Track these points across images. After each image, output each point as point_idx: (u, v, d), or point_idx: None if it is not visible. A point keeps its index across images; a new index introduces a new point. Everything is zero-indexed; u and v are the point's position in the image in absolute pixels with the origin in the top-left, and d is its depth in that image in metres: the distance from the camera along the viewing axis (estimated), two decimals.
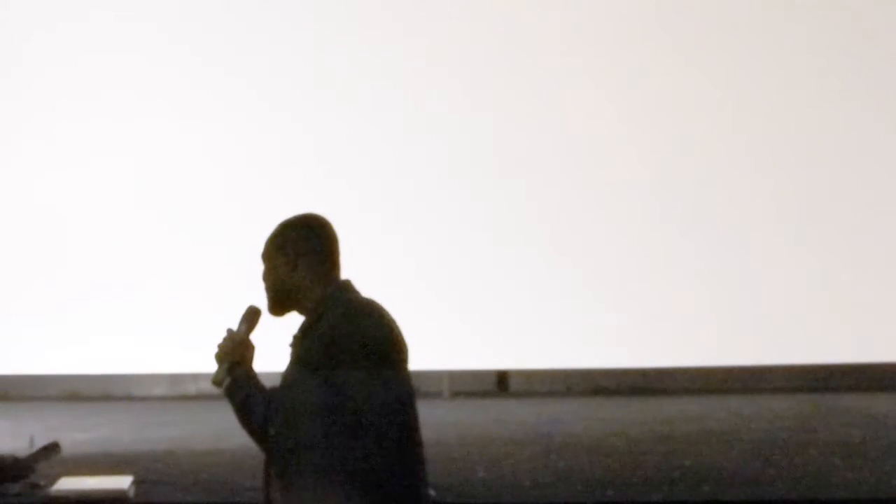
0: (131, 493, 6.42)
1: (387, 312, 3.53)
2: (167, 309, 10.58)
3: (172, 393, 10.66)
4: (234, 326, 3.69)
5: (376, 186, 9.95)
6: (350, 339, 3.38)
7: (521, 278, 10.13)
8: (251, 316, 3.73)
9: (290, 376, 3.49)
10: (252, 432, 3.49)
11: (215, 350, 3.63)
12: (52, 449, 4.20)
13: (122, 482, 6.49)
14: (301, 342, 3.54)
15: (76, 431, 8.70)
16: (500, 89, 10.61)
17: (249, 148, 10.70)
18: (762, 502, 6.42)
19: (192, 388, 10.62)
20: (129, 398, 10.61)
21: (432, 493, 3.44)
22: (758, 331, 10.51)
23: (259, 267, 3.70)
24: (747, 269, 10.59)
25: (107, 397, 10.60)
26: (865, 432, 8.35)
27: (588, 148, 10.55)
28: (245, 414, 3.45)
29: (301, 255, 3.66)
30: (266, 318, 3.73)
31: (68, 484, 6.46)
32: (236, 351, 3.58)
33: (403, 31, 10.62)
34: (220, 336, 3.60)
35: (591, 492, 6.56)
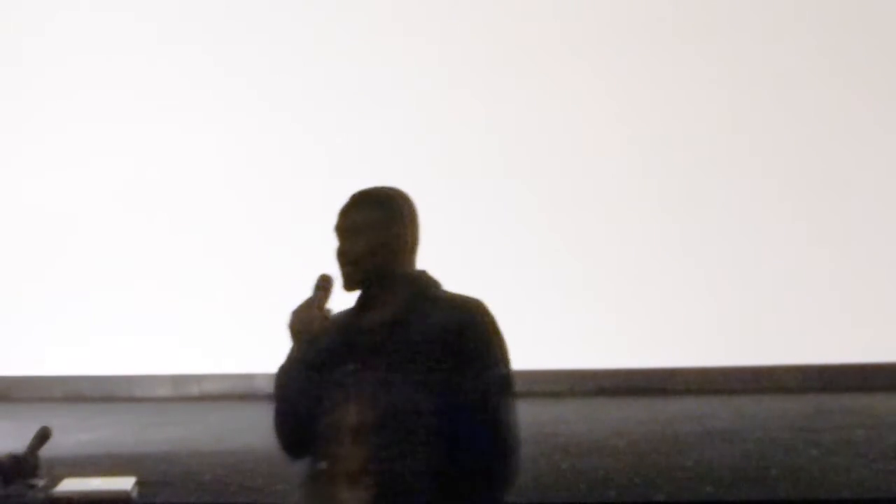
0: (134, 494, 6.42)
1: None
2: (170, 310, 10.58)
3: (175, 394, 10.66)
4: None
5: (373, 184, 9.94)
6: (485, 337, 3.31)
7: (523, 278, 10.14)
8: (325, 283, 3.46)
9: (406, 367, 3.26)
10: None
11: (289, 321, 3.42)
12: (43, 435, 4.12)
13: (125, 483, 6.49)
14: (402, 330, 3.29)
15: (79, 432, 8.71)
16: (499, 88, 10.61)
17: (252, 148, 10.70)
18: (764, 502, 6.42)
19: (194, 389, 10.63)
20: (132, 399, 10.62)
21: None
22: (759, 331, 10.50)
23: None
24: (749, 269, 10.59)
25: (109, 398, 10.60)
26: (868, 432, 8.35)
27: (590, 147, 10.55)
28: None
29: (412, 229, 3.47)
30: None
31: (71, 485, 6.45)
32: (315, 323, 3.41)
33: (405, 30, 10.63)
34: (288, 309, 3.40)
35: (594, 492, 6.56)
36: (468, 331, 3.35)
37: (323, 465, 3.28)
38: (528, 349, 3.59)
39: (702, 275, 10.54)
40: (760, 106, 10.62)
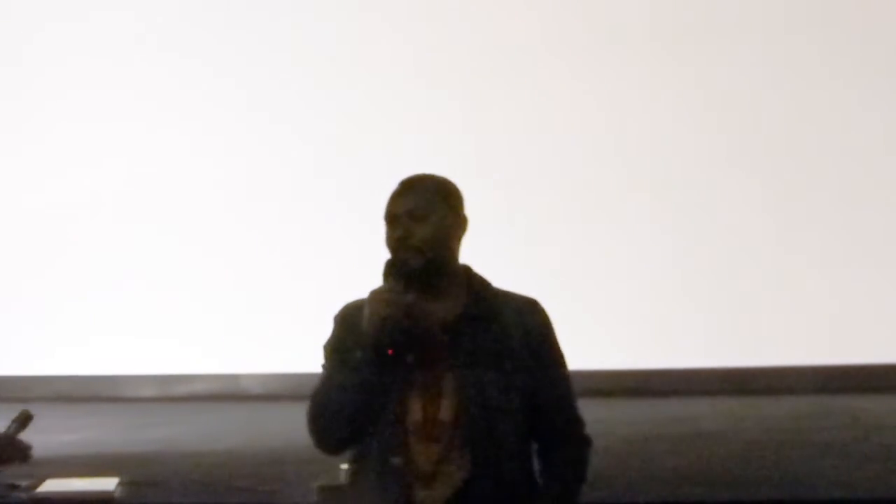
0: (117, 495, 6.39)
1: None
2: (156, 310, 10.54)
3: (161, 394, 10.62)
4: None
5: (366, 187, 9.92)
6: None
7: (510, 280, 10.11)
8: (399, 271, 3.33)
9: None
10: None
11: (375, 307, 3.21)
12: (24, 418, 3.98)
13: (108, 484, 6.46)
14: (479, 328, 3.22)
15: (64, 433, 8.67)
16: (494, 90, 10.59)
17: (238, 150, 10.67)
18: (752, 503, 6.41)
19: (180, 390, 10.59)
20: (117, 399, 10.57)
21: None
22: (747, 332, 10.50)
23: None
24: (738, 269, 10.58)
25: (95, 398, 10.56)
26: (856, 433, 8.35)
27: (581, 149, 10.54)
28: None
29: (464, 218, 3.41)
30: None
31: (54, 486, 6.43)
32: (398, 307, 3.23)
33: (404, 31, 10.61)
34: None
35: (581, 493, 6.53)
36: (543, 330, 3.35)
37: (397, 461, 3.19)
38: None
39: (690, 275, 10.53)
40: (757, 108, 10.61)
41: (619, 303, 10.45)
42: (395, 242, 3.28)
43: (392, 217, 3.29)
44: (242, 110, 10.62)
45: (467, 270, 3.40)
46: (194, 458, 7.62)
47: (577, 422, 3.38)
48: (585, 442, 3.40)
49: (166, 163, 10.65)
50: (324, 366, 3.32)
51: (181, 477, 6.93)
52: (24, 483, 6.53)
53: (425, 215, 3.31)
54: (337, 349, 3.26)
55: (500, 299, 3.35)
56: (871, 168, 10.58)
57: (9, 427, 3.63)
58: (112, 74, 10.66)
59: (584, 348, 10.39)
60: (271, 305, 10.26)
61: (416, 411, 3.19)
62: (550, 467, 3.34)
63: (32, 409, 6.37)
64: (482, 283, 3.38)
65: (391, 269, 3.24)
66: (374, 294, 3.21)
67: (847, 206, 10.55)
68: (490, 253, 10.29)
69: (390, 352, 3.13)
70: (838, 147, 10.56)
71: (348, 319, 3.28)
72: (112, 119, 10.67)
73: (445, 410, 3.19)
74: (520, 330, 3.31)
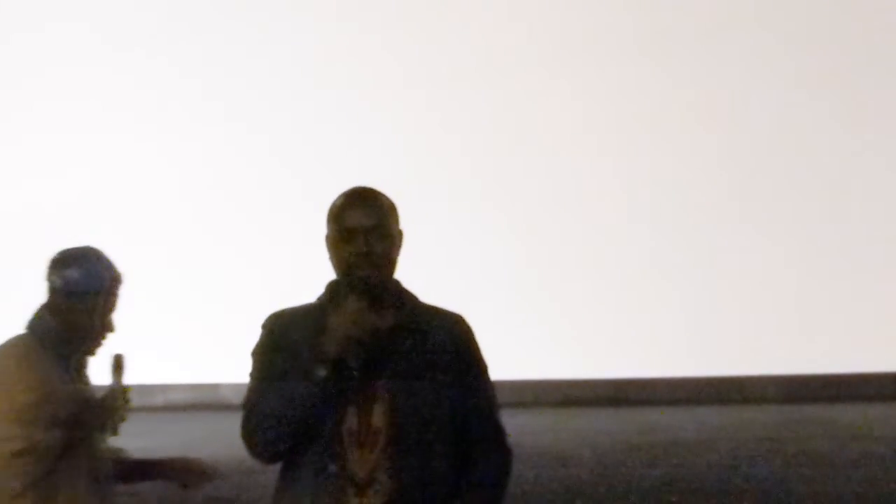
0: None
1: None
2: (135, 320, 10.53)
3: (139, 404, 10.58)
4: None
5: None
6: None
7: (489, 289, 10.14)
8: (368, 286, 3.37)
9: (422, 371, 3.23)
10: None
11: (346, 328, 3.18)
12: (118, 363, 3.76)
13: None
14: (406, 336, 3.24)
15: None
16: (493, 93, 10.61)
17: (216, 164, 10.68)
18: None
19: (159, 399, 10.58)
20: None
21: None
22: (726, 342, 10.54)
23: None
24: (720, 281, 10.63)
25: None
26: (832, 443, 8.38)
27: (572, 158, 10.56)
28: None
29: (402, 236, 3.42)
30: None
31: None
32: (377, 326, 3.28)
33: (403, 33, 10.63)
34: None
35: (559, 501, 6.56)
36: (468, 343, 3.36)
37: (333, 468, 3.21)
38: (492, 359, 3.59)
39: (670, 286, 10.57)
40: (751, 118, 10.65)
41: (599, 313, 10.49)
42: (355, 258, 3.27)
43: (350, 230, 3.28)
44: (255, 114, 10.62)
45: (398, 284, 3.42)
46: None
47: (499, 431, 3.38)
48: (507, 451, 3.40)
49: (145, 178, 10.65)
50: (253, 374, 3.33)
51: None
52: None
53: (383, 233, 3.31)
54: (269, 358, 3.26)
55: (429, 313, 3.37)
56: (857, 182, 10.63)
57: (113, 379, 3.55)
58: (110, 82, 10.65)
59: (562, 358, 10.46)
60: (250, 315, 10.23)
61: (351, 419, 3.23)
62: (472, 475, 3.36)
63: None
64: (411, 298, 3.40)
65: (354, 286, 3.26)
66: (345, 313, 3.22)
67: (830, 219, 10.60)
68: (470, 260, 10.34)
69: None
70: (825, 161, 10.61)
71: (277, 328, 3.29)
72: (97, 133, 10.67)
73: (378, 418, 3.22)
74: (447, 342, 3.32)
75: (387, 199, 3.39)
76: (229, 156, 10.63)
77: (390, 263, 3.35)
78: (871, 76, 10.62)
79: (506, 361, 9.73)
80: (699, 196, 10.62)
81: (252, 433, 3.30)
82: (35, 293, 3.77)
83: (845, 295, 10.58)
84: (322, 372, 3.23)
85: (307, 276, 3.51)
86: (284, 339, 3.33)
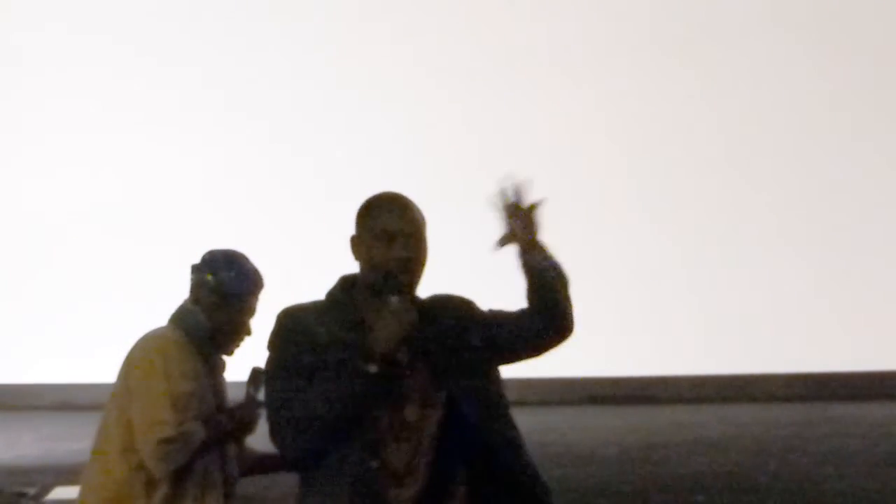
0: None
1: None
2: (161, 317, 10.57)
3: None
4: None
5: (363, 189, 9.94)
6: None
7: (512, 288, 10.14)
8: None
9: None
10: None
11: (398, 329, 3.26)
12: (255, 377, 3.76)
13: None
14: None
15: (70, 441, 8.69)
16: (494, 91, 10.62)
17: (231, 157, 10.70)
18: None
19: None
20: None
21: None
22: (750, 340, 10.52)
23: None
24: (740, 278, 10.61)
25: (100, 406, 10.57)
26: (857, 441, 8.37)
27: (579, 156, 10.57)
28: None
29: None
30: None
31: (62, 494, 6.46)
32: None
33: (404, 34, 10.65)
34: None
35: (585, 500, 6.57)
36: (469, 307, 3.43)
37: (374, 464, 3.24)
38: None
39: (692, 285, 10.56)
40: (755, 116, 10.64)
41: (624, 311, 10.48)
42: (396, 262, 3.32)
43: (390, 234, 3.32)
44: (230, 122, 10.64)
45: None
46: None
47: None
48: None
49: (165, 174, 10.69)
50: (272, 368, 3.33)
51: None
52: (32, 491, 6.57)
53: (421, 238, 3.41)
54: (293, 354, 3.27)
55: (429, 303, 3.43)
56: (871, 181, 10.60)
57: (249, 391, 3.56)
58: (103, 87, 10.68)
59: (587, 356, 10.45)
60: (273, 311, 10.24)
61: (386, 413, 3.27)
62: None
63: (40, 416, 6.39)
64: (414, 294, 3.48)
65: (391, 285, 3.29)
66: (393, 313, 3.25)
67: (858, 212, 10.57)
68: (490, 261, 10.33)
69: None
70: (832, 168, 10.58)
71: (302, 324, 3.31)
72: (107, 133, 10.70)
73: (410, 411, 3.27)
74: (453, 321, 3.38)
75: (418, 207, 3.48)
76: (245, 153, 10.65)
77: (423, 269, 3.44)
78: (876, 76, 10.60)
79: (530, 361, 9.74)
80: (721, 196, 10.60)
81: (291, 435, 3.30)
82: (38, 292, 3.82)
83: (872, 291, 10.55)
84: (374, 369, 3.28)
85: (325, 273, 3.53)
86: (306, 335, 3.36)
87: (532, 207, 3.50)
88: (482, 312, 3.51)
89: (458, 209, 10.99)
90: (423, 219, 3.43)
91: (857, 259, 10.57)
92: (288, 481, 3.48)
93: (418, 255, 3.39)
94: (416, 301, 3.41)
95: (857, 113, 10.60)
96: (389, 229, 3.40)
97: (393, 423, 3.34)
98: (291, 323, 3.38)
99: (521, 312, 3.52)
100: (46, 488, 6.66)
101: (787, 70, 10.59)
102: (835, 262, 10.58)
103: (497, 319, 3.49)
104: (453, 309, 3.47)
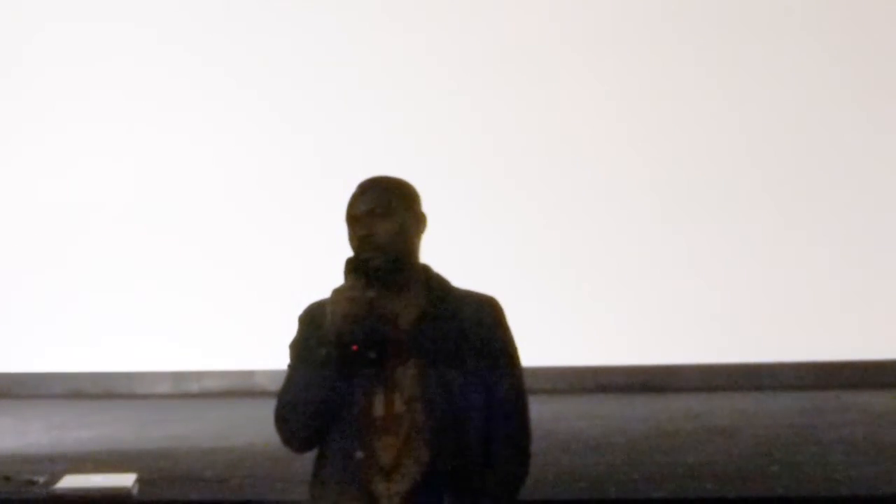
0: (135, 491, 6.43)
1: None
2: (170, 307, 10.58)
3: (175, 391, 10.67)
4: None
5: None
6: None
7: (521, 276, 10.14)
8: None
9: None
10: None
11: (338, 306, 3.26)
12: None
13: (126, 480, 6.50)
14: (433, 327, 3.27)
15: (79, 429, 8.72)
16: (497, 88, 10.61)
17: (249, 147, 10.70)
18: (765, 499, 6.43)
19: (194, 387, 10.64)
20: (132, 396, 10.62)
21: None
22: (760, 327, 10.51)
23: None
24: (750, 265, 10.60)
25: (109, 395, 10.61)
26: (868, 430, 8.36)
27: (587, 145, 10.55)
28: None
29: (422, 215, 3.42)
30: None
31: (71, 482, 6.47)
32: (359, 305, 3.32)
33: (404, 30, 10.64)
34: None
35: (594, 489, 6.57)
36: (497, 327, 3.39)
37: (360, 455, 3.25)
38: (527, 346, 3.61)
39: (701, 272, 10.55)
40: (760, 104, 10.62)
41: (633, 299, 10.47)
42: (357, 241, 3.31)
43: (353, 218, 3.32)
44: (249, 109, 10.65)
45: (426, 269, 3.43)
46: (208, 454, 7.66)
47: (521, 431, 3.36)
48: (525, 456, 3.39)
49: (178, 162, 10.69)
50: (290, 365, 3.37)
51: (195, 473, 6.97)
52: (41, 479, 6.58)
53: (385, 214, 3.36)
54: (302, 348, 3.30)
55: (459, 298, 3.38)
56: (877, 171, 10.58)
57: None
58: (113, 76, 10.68)
59: (595, 345, 10.44)
60: (285, 301, 10.26)
61: (378, 406, 3.27)
62: (493, 464, 3.38)
63: (50, 405, 6.39)
64: (441, 282, 3.41)
65: (353, 266, 3.28)
66: (337, 292, 3.24)
67: (869, 200, 10.55)
68: (502, 251, 10.34)
69: (354, 348, 3.17)
70: (841, 149, 10.56)
71: (313, 319, 3.32)
72: (120, 120, 10.71)
73: (399, 404, 3.25)
74: (474, 328, 3.33)
75: (397, 184, 3.43)
76: (265, 146, 10.67)
77: (400, 245, 3.38)
78: (882, 71, 10.57)
79: (539, 348, 9.74)
80: (728, 181, 10.59)
81: (277, 422, 3.38)
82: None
83: (883, 279, 10.53)
84: (322, 351, 3.29)
85: (340, 263, 3.52)
86: (317, 331, 3.38)
87: None
88: (499, 345, 3.43)
89: (468, 202, 11.01)
90: (393, 194, 3.38)
91: (867, 247, 10.54)
92: (286, 477, 3.48)
93: (383, 230, 3.36)
94: (433, 291, 3.38)
95: (867, 108, 10.57)
96: (352, 213, 3.44)
97: (384, 414, 3.34)
98: (306, 318, 3.43)
99: (498, 414, 3.47)
100: (56, 476, 6.67)
101: (799, 60, 10.56)
102: (845, 250, 10.55)
103: (493, 375, 3.43)
104: (475, 314, 3.42)
